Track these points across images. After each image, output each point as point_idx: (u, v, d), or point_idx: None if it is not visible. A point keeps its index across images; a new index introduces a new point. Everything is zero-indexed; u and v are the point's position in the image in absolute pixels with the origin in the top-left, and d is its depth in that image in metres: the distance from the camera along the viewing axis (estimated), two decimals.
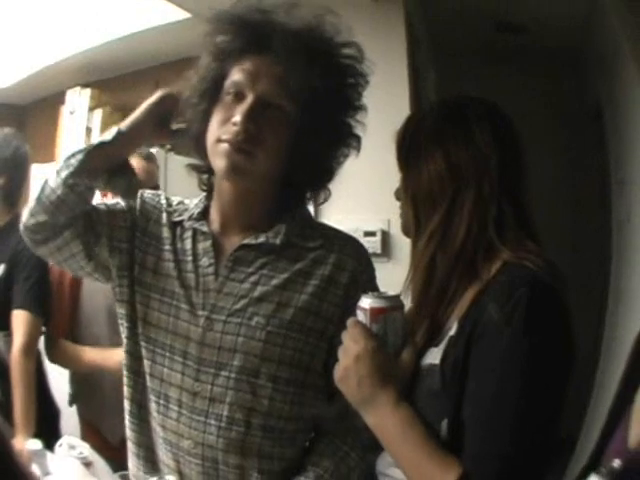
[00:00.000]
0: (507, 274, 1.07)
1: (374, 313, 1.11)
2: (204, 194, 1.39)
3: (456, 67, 3.71)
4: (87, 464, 1.45)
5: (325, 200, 1.40)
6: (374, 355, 1.08)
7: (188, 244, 1.34)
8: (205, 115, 1.28)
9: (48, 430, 2.07)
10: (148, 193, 1.43)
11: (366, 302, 1.12)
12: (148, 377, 1.32)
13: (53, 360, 2.35)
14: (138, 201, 1.40)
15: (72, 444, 1.51)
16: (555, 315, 1.04)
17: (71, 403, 2.41)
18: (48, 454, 1.56)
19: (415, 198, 1.20)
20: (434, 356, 1.11)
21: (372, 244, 2.58)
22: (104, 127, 3.34)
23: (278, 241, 1.30)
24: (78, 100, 3.45)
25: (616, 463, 0.82)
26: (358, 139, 1.34)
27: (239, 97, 1.24)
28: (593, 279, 3.64)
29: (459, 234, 1.13)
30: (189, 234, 1.35)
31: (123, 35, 3.02)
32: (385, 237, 2.72)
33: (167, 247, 1.34)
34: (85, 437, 2.17)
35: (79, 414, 2.39)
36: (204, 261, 1.31)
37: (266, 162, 1.24)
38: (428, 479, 1.02)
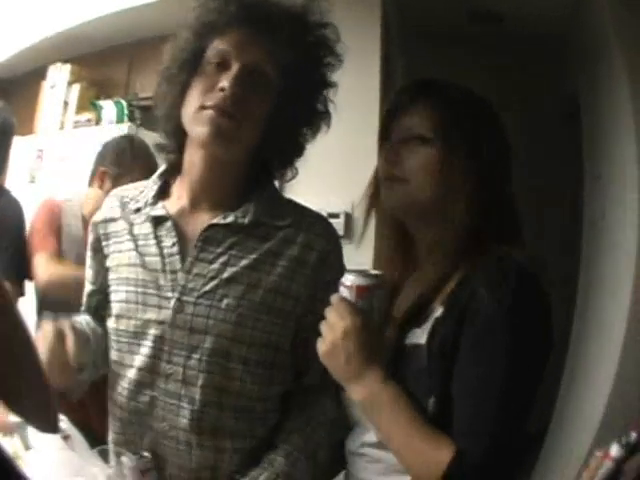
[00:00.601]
0: (493, 261, 1.10)
1: (360, 290, 1.11)
2: (157, 173, 1.38)
3: (428, 54, 3.68)
4: (65, 437, 1.45)
5: (292, 178, 1.40)
6: (362, 332, 1.09)
7: (148, 228, 1.31)
8: (183, 86, 1.27)
9: None
10: (101, 210, 1.41)
11: (350, 279, 1.12)
12: (120, 368, 1.31)
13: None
14: (92, 228, 1.39)
15: None
16: (539, 301, 1.09)
17: None
18: (29, 427, 1.54)
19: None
20: (417, 336, 1.14)
21: (335, 226, 2.36)
22: (80, 101, 3.36)
23: (247, 220, 1.28)
24: (59, 75, 3.43)
25: (632, 436, 0.88)
26: (329, 116, 1.35)
27: (223, 66, 1.24)
28: (564, 277, 3.63)
29: (455, 230, 1.17)
30: (148, 218, 1.33)
31: (103, 14, 3.04)
32: (348, 220, 2.67)
33: (126, 237, 1.33)
34: None
35: None
36: (167, 242, 1.29)
37: (251, 131, 1.25)
38: (420, 456, 1.04)
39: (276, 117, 1.26)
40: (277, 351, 1.29)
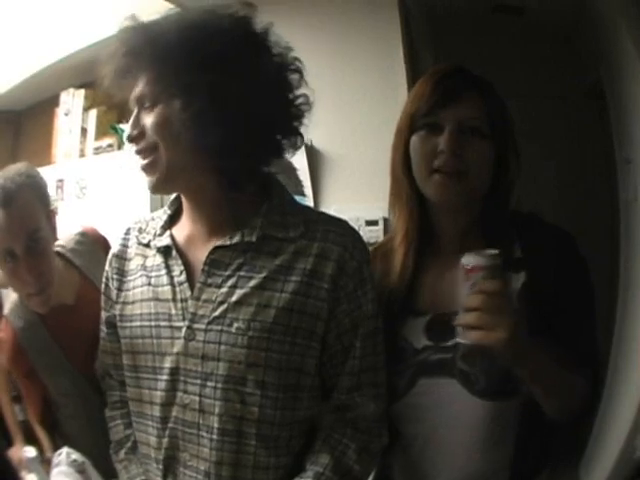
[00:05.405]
0: (533, 221, 1.39)
1: (496, 269, 1.18)
2: (169, 201, 1.37)
3: (453, 48, 3.67)
4: (81, 472, 1.46)
5: (300, 146, 1.33)
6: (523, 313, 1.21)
7: (159, 259, 1.30)
8: None
9: None
10: (117, 243, 1.41)
11: (482, 260, 1.16)
12: (141, 406, 1.29)
13: None
14: (107, 268, 1.40)
15: (69, 452, 1.52)
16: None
17: None
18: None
19: None
20: None
21: (374, 233, 2.43)
22: (99, 126, 3.30)
23: (254, 238, 1.23)
24: (72, 101, 3.39)
25: None
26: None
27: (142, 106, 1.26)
28: (601, 263, 3.57)
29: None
30: (156, 249, 1.31)
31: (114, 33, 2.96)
32: (387, 225, 2.52)
33: (140, 273, 1.32)
34: None
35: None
36: (175, 270, 1.26)
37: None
38: (572, 388, 1.27)
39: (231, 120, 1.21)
40: (300, 373, 1.22)
